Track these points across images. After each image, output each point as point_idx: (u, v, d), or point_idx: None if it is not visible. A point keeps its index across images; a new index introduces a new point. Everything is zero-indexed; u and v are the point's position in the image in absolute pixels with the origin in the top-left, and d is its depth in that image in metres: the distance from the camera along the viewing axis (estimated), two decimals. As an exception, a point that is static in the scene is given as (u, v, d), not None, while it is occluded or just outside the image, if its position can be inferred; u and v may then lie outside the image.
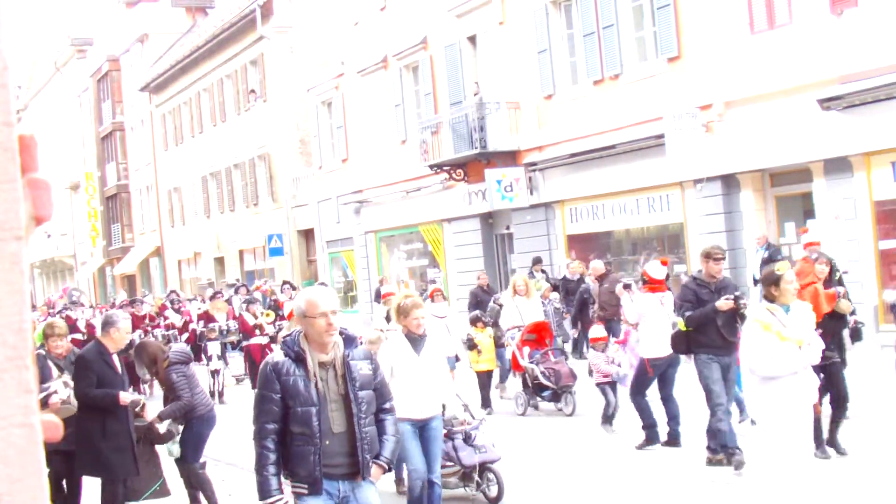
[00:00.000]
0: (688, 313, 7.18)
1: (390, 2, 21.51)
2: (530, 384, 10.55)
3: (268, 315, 14.91)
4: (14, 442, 1.03)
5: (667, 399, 8.40)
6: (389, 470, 4.10)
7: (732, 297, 7.12)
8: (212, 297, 17.04)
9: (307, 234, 27.22)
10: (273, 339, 15.24)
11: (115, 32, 39.63)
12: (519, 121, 18.24)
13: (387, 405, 4.04)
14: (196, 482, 6.92)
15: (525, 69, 17.91)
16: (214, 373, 14.07)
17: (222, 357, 14.50)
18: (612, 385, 9.28)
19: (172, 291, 23.26)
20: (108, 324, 6.37)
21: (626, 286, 9.85)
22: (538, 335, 10.71)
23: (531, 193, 17.85)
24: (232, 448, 9.42)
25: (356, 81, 23.15)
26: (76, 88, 43.86)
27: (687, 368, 9.18)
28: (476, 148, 18.29)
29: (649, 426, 8.35)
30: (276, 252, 26.82)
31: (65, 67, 45.46)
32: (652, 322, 8.34)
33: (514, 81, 18.25)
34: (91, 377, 6.10)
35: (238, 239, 30.49)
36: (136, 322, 16.14)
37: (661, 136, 14.43)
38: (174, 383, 6.78)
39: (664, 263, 8.67)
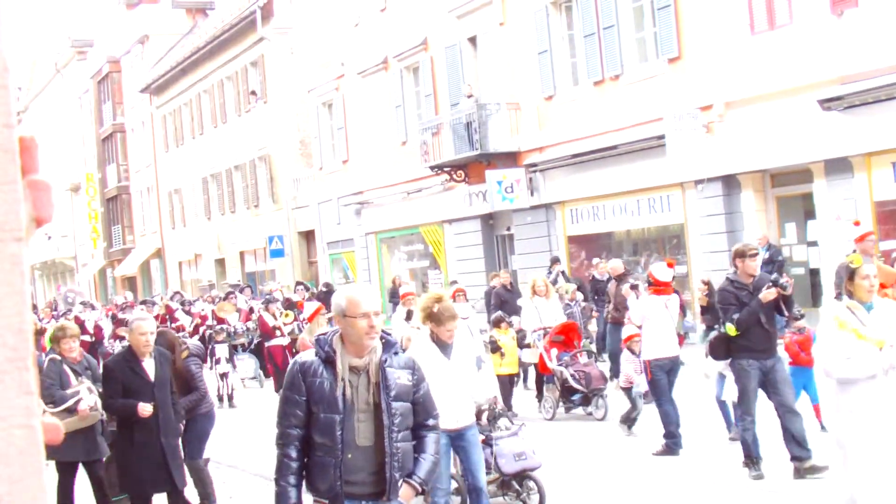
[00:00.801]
0: (735, 316, 6.62)
1: (390, 3, 21.51)
2: (559, 387, 10.10)
3: (286, 315, 14.73)
4: (15, 443, 1.03)
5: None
6: (422, 493, 3.64)
7: (772, 285, 6.65)
8: (224, 298, 17.00)
9: (308, 236, 27.21)
10: (294, 341, 15.20)
11: (115, 34, 39.62)
12: (519, 122, 18.25)
13: (429, 421, 3.61)
14: (197, 478, 6.91)
15: (525, 70, 17.91)
16: (223, 376, 13.69)
17: (230, 360, 14.23)
18: (630, 391, 8.99)
19: (177, 293, 23.20)
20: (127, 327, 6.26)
21: (633, 287, 9.77)
22: (566, 336, 10.26)
23: (532, 194, 17.86)
24: (235, 450, 9.41)
25: (356, 82, 23.15)
26: (77, 90, 43.87)
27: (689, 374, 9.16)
28: (476, 149, 18.31)
29: (669, 435, 8.13)
30: (277, 254, 26.81)
31: (65, 69, 45.48)
32: (655, 324, 8.28)
33: (514, 82, 18.25)
34: (115, 386, 5.74)
35: (238, 240, 30.48)
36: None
37: (662, 137, 14.44)
38: (193, 374, 6.70)
39: (671, 265, 8.59)
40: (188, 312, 18.43)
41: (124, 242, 40.96)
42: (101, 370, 6.25)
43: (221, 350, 13.81)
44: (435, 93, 20.45)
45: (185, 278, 36.27)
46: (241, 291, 19.67)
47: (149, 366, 5.80)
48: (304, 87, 25.64)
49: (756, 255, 6.91)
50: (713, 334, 7.24)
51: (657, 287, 8.35)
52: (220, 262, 32.72)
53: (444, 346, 5.41)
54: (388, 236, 23.26)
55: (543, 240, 17.94)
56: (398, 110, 21.72)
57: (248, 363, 15.29)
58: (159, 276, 38.61)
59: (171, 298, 21.44)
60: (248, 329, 15.26)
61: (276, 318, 14.49)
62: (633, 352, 8.94)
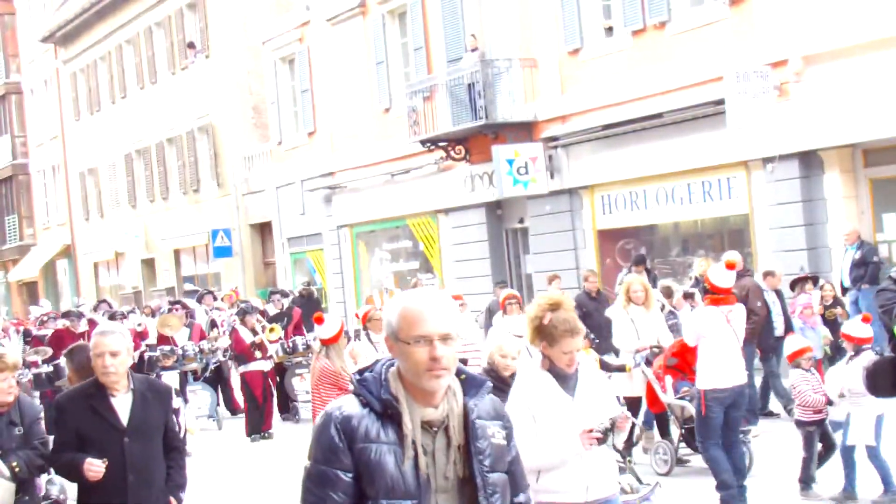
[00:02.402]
0: None
1: (369, -73, 21.67)
2: (679, 429, 9.63)
3: (272, 330, 14.71)
4: None
5: (730, 447, 8.35)
6: None
7: None
8: (169, 309, 16.90)
9: (263, 230, 27.26)
10: (281, 366, 15.16)
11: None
12: (536, 83, 18.27)
13: (520, 498, 3.20)
14: None
15: (545, 16, 17.94)
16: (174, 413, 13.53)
17: (182, 392, 13.85)
18: (820, 424, 8.40)
19: (104, 301, 23.10)
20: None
21: (688, 296, 9.66)
22: (682, 359, 9.52)
23: (552, 177, 17.92)
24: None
25: (326, 32, 23.15)
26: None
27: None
28: (481, 118, 18.31)
29: (724, 486, 8.08)
30: (223, 252, 26.85)
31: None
32: (714, 343, 8.28)
33: (530, 32, 18.28)
34: (65, 435, 5.14)
35: (173, 235, 30.48)
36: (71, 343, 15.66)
37: (721, 102, 14.43)
38: None
39: (731, 267, 8.51)
40: None
41: (21, 238, 40.90)
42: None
43: (170, 379, 13.28)
44: (427, 45, 20.44)
45: (103, 284, 36.25)
46: (200, 300, 19.53)
47: (122, 404, 5.15)
48: (258, 38, 25.63)
49: None
50: (869, 358, 6.93)
51: (716, 296, 8.31)
52: (149, 264, 32.75)
53: (563, 377, 4.62)
54: (366, 230, 23.22)
55: (566, 235, 17.96)
56: (379, 68, 21.67)
57: (202, 396, 15.19)
58: (68, 282, 38.57)
59: (96, 310, 21.30)
60: (201, 351, 15.10)
61: (256, 334, 14.43)
62: (805, 370, 8.48)
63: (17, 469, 5.52)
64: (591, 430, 4.47)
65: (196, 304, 18.89)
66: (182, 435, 13.97)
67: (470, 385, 3.03)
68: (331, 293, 23.86)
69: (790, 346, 8.79)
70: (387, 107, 21.61)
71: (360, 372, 3.07)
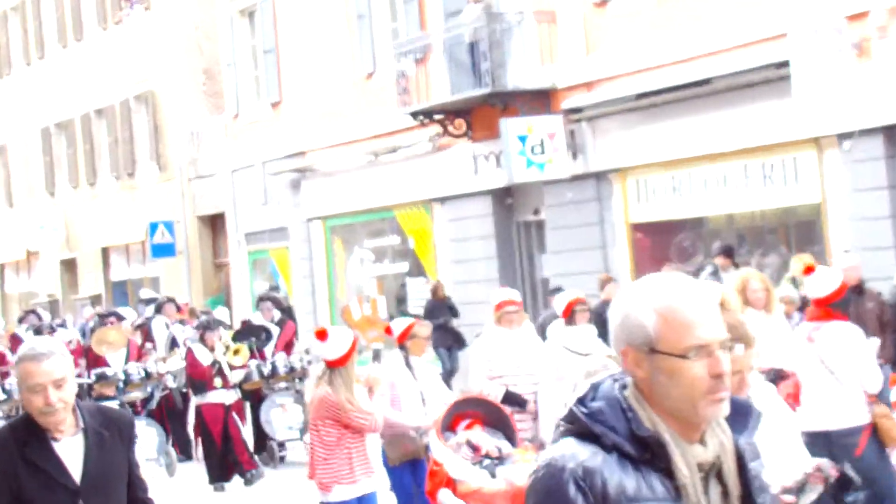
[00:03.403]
0: None
1: None
2: (830, 479, 9.35)
3: (236, 352, 14.43)
4: None
5: None
6: None
7: None
8: (101, 322, 16.59)
9: (214, 223, 27.21)
10: (252, 394, 14.85)
11: None
12: (554, 42, 18.13)
13: None
14: None
15: (565, -40, 17.85)
16: None
17: None
18: None
19: (31, 312, 22.63)
20: None
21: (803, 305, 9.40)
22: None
23: (574, 157, 17.80)
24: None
25: (293, -20, 23.10)
26: None
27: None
28: (486, 85, 18.19)
29: None
30: (164, 251, 26.92)
31: None
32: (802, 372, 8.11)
33: (547, -20, 18.21)
34: None
35: (101, 230, 30.24)
36: None
37: (785, 65, 14.31)
38: None
39: (809, 271, 8.48)
40: None
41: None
42: None
43: None
44: (420, -4, 20.46)
45: (10, 290, 36.32)
46: (159, 310, 18.65)
47: (71, 452, 4.59)
48: (210, -14, 25.72)
49: None
50: None
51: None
52: (69, 265, 32.85)
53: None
54: (343, 223, 23.09)
55: (592, 229, 17.81)
56: (361, 23, 21.54)
57: (147, 434, 14.50)
58: (-33, 286, 38.21)
59: (21, 322, 21.01)
60: (147, 375, 14.76)
61: (214, 355, 14.10)
62: None
63: None
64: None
65: (156, 318, 18.23)
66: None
67: (739, 413, 2.75)
68: (298, 302, 23.65)
69: None
70: (370, 71, 21.54)
71: (581, 401, 2.71)
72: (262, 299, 18.54)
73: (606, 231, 17.73)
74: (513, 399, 9.56)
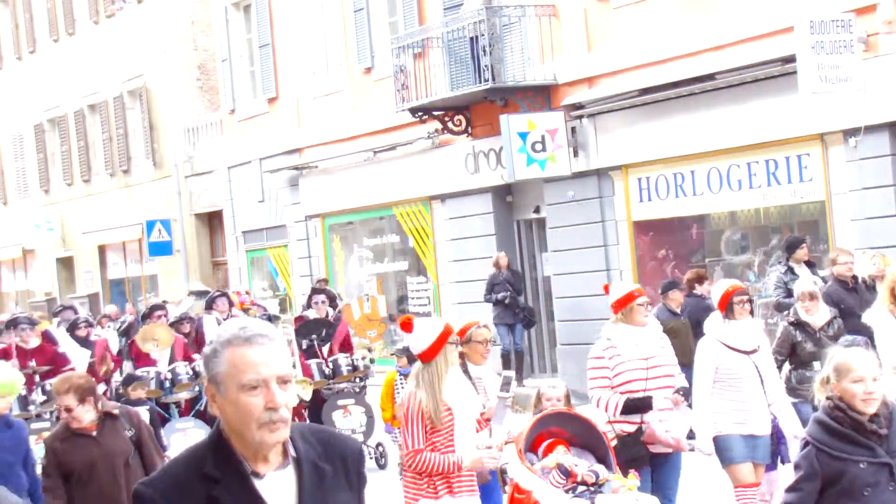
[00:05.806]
0: None
1: None
2: None
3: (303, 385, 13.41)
4: None
5: None
6: None
7: None
8: (146, 315, 15.72)
9: (211, 221, 27.29)
10: (318, 395, 13.85)
11: None
12: (556, 37, 18.13)
13: None
14: None
15: (567, -47, 17.81)
16: None
17: (156, 435, 12.00)
18: None
19: (68, 308, 21.60)
20: None
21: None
22: None
23: (575, 154, 17.80)
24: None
25: (291, -28, 23.11)
26: None
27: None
28: (486, 81, 18.18)
29: None
30: (160, 249, 26.95)
31: None
32: None
33: (548, -28, 18.20)
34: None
35: (97, 228, 30.31)
36: (22, 362, 13.89)
37: (791, 60, 14.26)
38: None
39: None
40: (86, 341, 16.35)
41: None
42: None
43: (142, 414, 12.20)
44: (419, -10, 20.48)
45: (6, 289, 36.27)
46: (211, 305, 17.05)
47: (277, 493, 3.39)
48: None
49: None
50: None
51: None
52: (66, 263, 32.84)
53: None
54: (341, 221, 23.12)
55: (594, 228, 17.83)
56: (358, 17, 21.53)
57: (197, 437, 13.30)
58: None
59: (56, 315, 20.45)
60: (195, 374, 13.78)
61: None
62: None
63: None
64: None
65: (206, 316, 16.80)
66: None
67: None
68: (297, 299, 23.62)
69: None
70: (368, 66, 21.52)
71: None
72: (315, 291, 17.38)
73: (608, 229, 17.74)
74: (635, 407, 8.43)
